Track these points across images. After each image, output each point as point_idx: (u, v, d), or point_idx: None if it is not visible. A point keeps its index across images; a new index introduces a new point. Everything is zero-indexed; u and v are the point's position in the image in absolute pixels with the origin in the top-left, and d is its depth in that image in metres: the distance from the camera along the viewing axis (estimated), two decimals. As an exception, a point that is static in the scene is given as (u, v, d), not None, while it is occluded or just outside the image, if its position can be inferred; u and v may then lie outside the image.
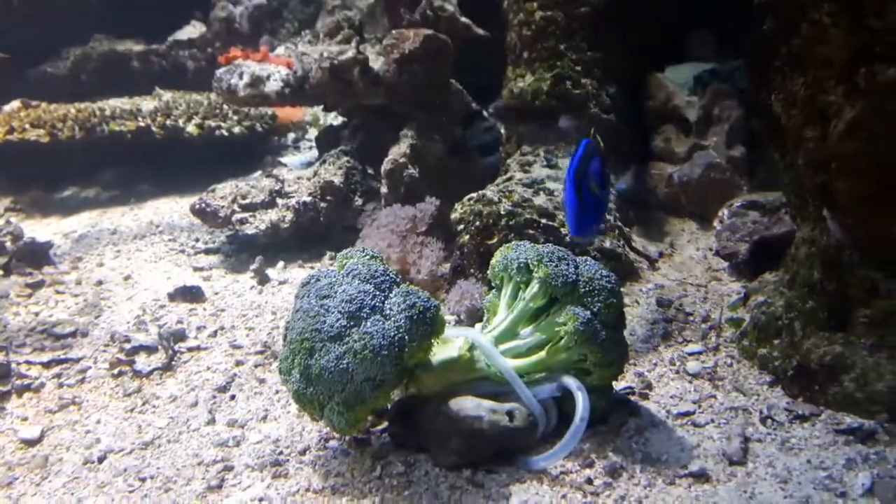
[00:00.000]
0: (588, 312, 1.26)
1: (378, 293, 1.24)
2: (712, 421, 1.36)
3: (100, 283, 2.25)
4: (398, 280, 1.30)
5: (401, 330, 1.20)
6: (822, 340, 1.37)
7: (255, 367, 1.69)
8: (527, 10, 2.48)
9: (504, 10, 2.59)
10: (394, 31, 2.37)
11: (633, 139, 2.50)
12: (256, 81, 2.46)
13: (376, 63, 2.35)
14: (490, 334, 1.33)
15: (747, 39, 1.59)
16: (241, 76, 2.48)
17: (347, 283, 1.25)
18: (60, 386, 1.68)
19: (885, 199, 1.20)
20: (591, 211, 1.38)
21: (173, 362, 1.74)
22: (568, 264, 1.30)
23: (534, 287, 1.31)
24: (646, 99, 2.52)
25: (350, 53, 2.29)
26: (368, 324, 1.20)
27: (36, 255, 2.36)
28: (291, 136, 3.74)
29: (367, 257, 1.33)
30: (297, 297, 1.31)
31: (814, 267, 1.40)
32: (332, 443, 1.37)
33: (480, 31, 2.74)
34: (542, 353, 1.29)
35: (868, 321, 1.31)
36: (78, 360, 1.79)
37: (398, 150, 2.28)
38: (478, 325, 1.44)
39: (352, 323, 1.20)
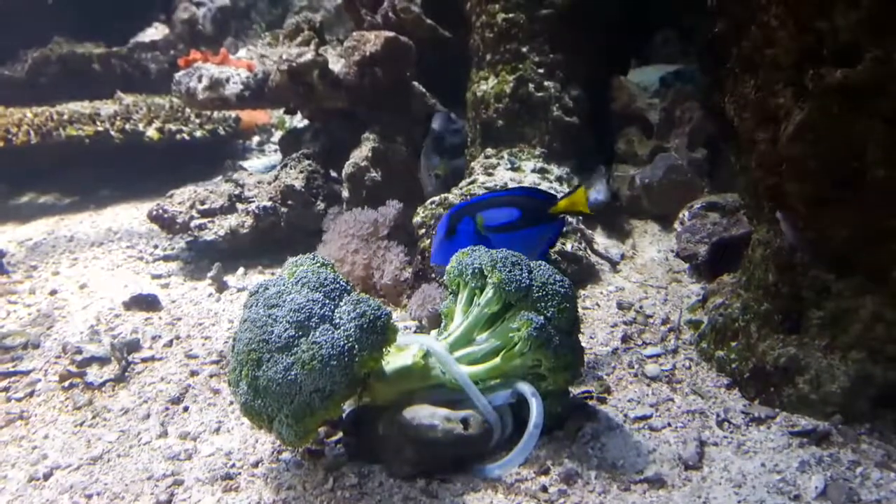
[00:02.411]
0: (541, 318, 1.25)
1: (327, 302, 1.21)
2: (669, 425, 1.35)
3: (54, 292, 2.19)
4: (349, 288, 1.27)
5: (350, 339, 1.17)
6: (777, 342, 1.37)
7: (210, 377, 1.66)
8: (489, 12, 2.47)
9: (467, 12, 2.58)
10: (354, 34, 2.34)
11: (597, 141, 2.50)
12: (215, 84, 2.42)
13: (337, 65, 2.32)
14: (445, 341, 1.31)
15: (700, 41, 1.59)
16: (199, 79, 2.44)
17: (296, 291, 1.22)
18: (8, 400, 1.63)
19: (833, 201, 1.20)
20: (462, 245, 1.39)
21: (126, 373, 1.70)
22: (522, 269, 1.29)
23: (488, 293, 1.29)
24: (609, 101, 2.52)
25: (309, 56, 2.25)
26: (317, 333, 1.17)
27: (-12, 265, 2.31)
28: (256, 139, 3.69)
29: (317, 265, 1.30)
30: (246, 307, 1.28)
31: (769, 269, 1.40)
32: (286, 455, 1.34)
33: (446, 33, 2.73)
34: (497, 360, 1.27)
35: (821, 322, 1.31)
36: (28, 373, 1.73)
37: (360, 154, 2.26)
38: (433, 332, 1.42)
39: (300, 333, 1.17)
